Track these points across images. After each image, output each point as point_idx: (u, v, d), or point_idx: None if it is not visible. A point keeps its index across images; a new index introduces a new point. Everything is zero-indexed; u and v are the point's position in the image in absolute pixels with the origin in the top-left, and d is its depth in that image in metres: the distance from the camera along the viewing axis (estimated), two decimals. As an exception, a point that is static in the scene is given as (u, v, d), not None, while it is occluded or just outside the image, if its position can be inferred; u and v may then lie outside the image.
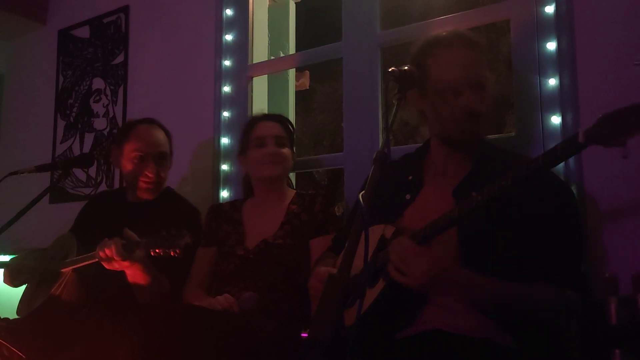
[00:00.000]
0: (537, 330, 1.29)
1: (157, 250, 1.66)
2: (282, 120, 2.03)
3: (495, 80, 1.62)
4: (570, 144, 1.03)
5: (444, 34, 1.49)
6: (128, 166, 2.09)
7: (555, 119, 1.74)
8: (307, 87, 4.61)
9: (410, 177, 1.54)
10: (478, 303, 1.28)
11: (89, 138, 2.97)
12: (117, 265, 1.72)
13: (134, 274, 1.78)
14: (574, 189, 1.64)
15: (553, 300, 1.27)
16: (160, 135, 2.13)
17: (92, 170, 2.89)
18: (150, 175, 2.06)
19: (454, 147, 1.48)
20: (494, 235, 1.30)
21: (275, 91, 2.80)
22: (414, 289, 1.24)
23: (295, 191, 2.03)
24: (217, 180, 2.45)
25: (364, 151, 2.08)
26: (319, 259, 1.69)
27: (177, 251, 1.63)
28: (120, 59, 2.90)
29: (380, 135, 2.09)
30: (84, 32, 3.09)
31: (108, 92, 2.92)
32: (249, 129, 2.02)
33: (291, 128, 2.06)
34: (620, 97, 1.62)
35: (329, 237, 1.81)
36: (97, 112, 2.96)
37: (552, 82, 1.76)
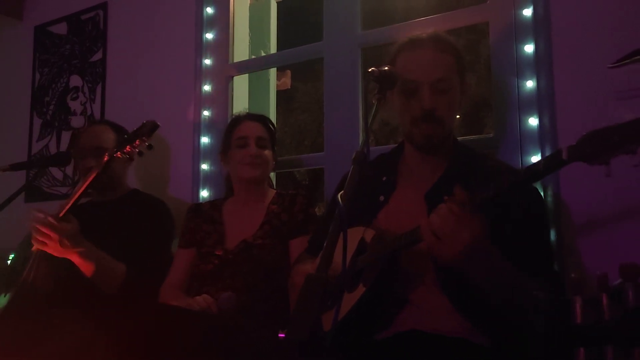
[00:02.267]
0: (511, 329, 1.30)
1: (126, 150, 1.75)
2: (264, 120, 2.03)
3: (475, 82, 1.63)
4: (553, 160, 1.02)
5: (417, 35, 1.50)
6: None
7: (533, 121, 1.77)
8: (289, 87, 4.61)
9: (384, 178, 1.54)
10: (489, 283, 1.23)
11: (66, 136, 2.92)
12: (57, 249, 1.72)
13: (81, 262, 1.78)
14: (550, 194, 1.67)
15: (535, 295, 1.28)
16: (101, 132, 2.16)
17: (69, 169, 2.85)
18: (88, 167, 2.06)
19: (420, 149, 1.49)
20: None
21: (256, 90, 2.79)
22: (445, 259, 1.15)
23: (275, 191, 2.02)
24: (197, 180, 2.44)
25: (345, 151, 2.09)
26: (298, 259, 1.69)
27: (145, 138, 1.74)
28: (98, 56, 2.86)
29: (361, 135, 2.10)
30: (61, 29, 3.04)
31: (86, 89, 2.88)
32: (231, 128, 2.02)
33: (272, 128, 2.06)
34: (595, 100, 1.64)
35: (308, 237, 1.81)
36: (74, 110, 2.92)
37: (530, 84, 1.78)
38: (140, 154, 1.82)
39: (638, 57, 0.84)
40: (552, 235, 1.63)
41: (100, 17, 2.87)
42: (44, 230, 1.70)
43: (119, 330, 1.43)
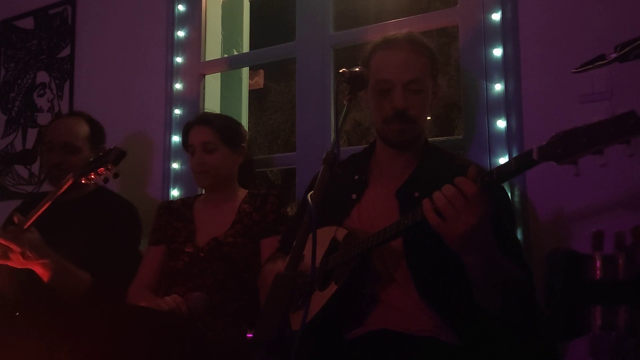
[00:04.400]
0: (483, 327, 1.33)
1: (90, 176, 1.69)
2: (213, 121, 1.94)
3: (446, 84, 1.66)
4: (524, 160, 1.04)
5: (392, 36, 1.51)
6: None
7: (501, 123, 1.80)
8: (262, 86, 4.59)
9: (356, 177, 1.55)
10: (485, 275, 1.20)
11: (32, 133, 2.86)
12: (19, 262, 1.68)
13: (44, 272, 1.73)
14: (517, 192, 1.71)
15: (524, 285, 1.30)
16: (73, 125, 2.09)
17: (35, 167, 2.79)
18: (52, 163, 2.02)
19: (393, 147, 1.51)
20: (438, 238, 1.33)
21: (229, 89, 2.77)
22: (449, 239, 1.12)
23: (247, 190, 2.02)
24: (167, 179, 2.41)
25: (317, 151, 2.09)
26: (269, 258, 1.69)
27: (110, 167, 1.67)
28: (66, 52, 2.80)
29: (333, 136, 2.11)
30: (27, 23, 2.97)
31: (53, 86, 2.82)
32: (184, 136, 2.00)
33: (227, 127, 1.96)
34: (561, 103, 1.69)
35: (279, 237, 1.81)
36: (41, 106, 2.85)
37: (498, 87, 1.82)
38: (105, 180, 1.76)
39: (600, 62, 0.86)
40: (519, 233, 1.67)
41: (69, 12, 2.82)
42: (5, 243, 1.65)
43: (86, 334, 1.41)
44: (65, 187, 1.74)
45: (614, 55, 0.81)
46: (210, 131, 1.92)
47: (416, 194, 1.40)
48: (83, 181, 1.72)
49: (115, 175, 1.72)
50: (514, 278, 1.25)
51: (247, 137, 2.08)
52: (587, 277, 0.56)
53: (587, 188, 1.58)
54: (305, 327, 0.83)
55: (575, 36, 1.68)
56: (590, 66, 0.89)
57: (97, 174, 1.72)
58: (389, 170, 1.53)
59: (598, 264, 0.56)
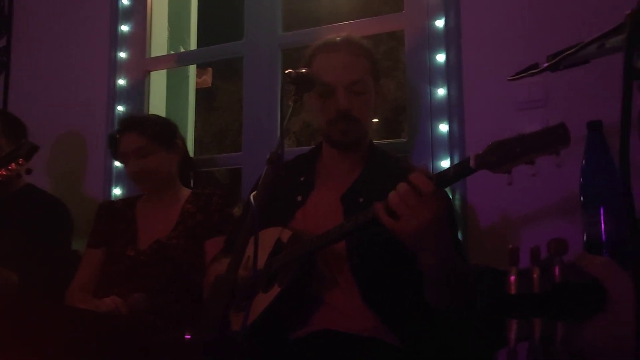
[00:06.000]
0: (423, 329, 1.36)
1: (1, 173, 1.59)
2: (140, 126, 1.89)
3: (395, 88, 1.68)
4: (462, 167, 1.08)
5: (331, 39, 1.53)
6: None
7: (443, 127, 1.85)
8: (210, 85, 4.54)
9: (302, 179, 1.56)
10: (440, 272, 1.20)
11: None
12: None
13: None
14: (457, 198, 1.76)
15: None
16: None
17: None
18: None
19: (338, 149, 1.52)
20: (382, 239, 1.34)
21: (175, 87, 2.72)
22: (404, 238, 1.13)
23: (191, 190, 1.98)
24: (109, 177, 2.35)
25: (263, 151, 2.05)
26: (214, 258, 1.67)
27: (20, 161, 1.58)
28: (2, 43, 2.67)
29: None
30: (-40, 12, 2.82)
31: (-14, 78, 2.69)
32: (113, 147, 1.96)
33: (156, 128, 1.91)
34: (500, 109, 1.75)
35: (224, 238, 1.79)
36: (-28, 100, 2.71)
37: (441, 91, 1.87)
38: (19, 176, 1.67)
39: (533, 71, 0.90)
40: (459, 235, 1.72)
41: (5, 2, 2.69)
42: None
43: (19, 336, 1.36)
44: None
45: (545, 65, 0.84)
46: (140, 136, 1.87)
47: (361, 200, 1.42)
48: None
49: (28, 171, 1.64)
50: (464, 276, 1.28)
51: (179, 132, 2.03)
52: (505, 292, 0.58)
53: (520, 198, 1.64)
54: (247, 329, 0.83)
55: (514, 45, 1.75)
56: (524, 74, 0.93)
57: (7, 170, 1.62)
58: (335, 172, 1.54)
59: (513, 278, 0.59)
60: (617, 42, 0.62)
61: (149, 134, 1.87)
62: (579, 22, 1.66)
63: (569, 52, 0.76)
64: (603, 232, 1.36)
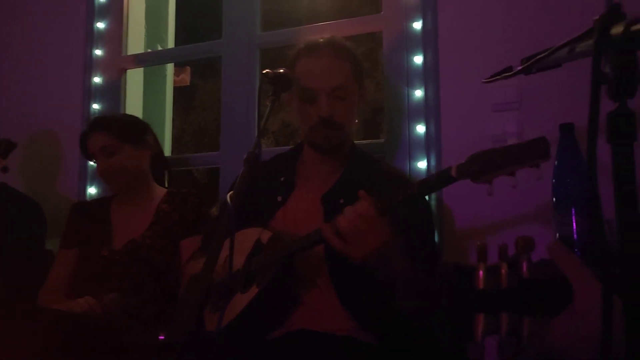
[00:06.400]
0: (399, 330, 1.37)
1: None
2: (105, 124, 1.87)
3: (374, 89, 1.69)
4: (444, 176, 1.10)
5: (314, 41, 1.52)
6: None
7: (420, 128, 1.87)
8: (188, 84, 4.50)
9: (282, 179, 1.56)
10: (394, 287, 1.26)
11: None
12: None
13: None
14: (434, 200, 1.78)
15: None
16: None
17: None
18: None
19: (320, 153, 1.52)
20: None
21: (152, 86, 2.69)
22: (353, 260, 1.18)
23: (166, 189, 1.97)
24: (84, 176, 2.31)
25: (241, 151, 2.04)
26: (190, 258, 1.66)
27: None
28: (-26, 39, 2.62)
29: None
30: None
31: (-43, 75, 2.63)
32: (83, 148, 1.93)
33: (122, 125, 1.88)
34: (476, 111, 1.77)
35: (200, 237, 1.78)
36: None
37: (419, 93, 1.88)
38: None
39: (506, 74, 0.92)
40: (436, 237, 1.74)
41: (-22, -3, 2.63)
42: None
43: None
44: None
45: (519, 68, 0.86)
46: (105, 135, 1.85)
47: (341, 201, 1.42)
48: None
49: (4, 169, 1.60)
50: (424, 292, 1.29)
51: (151, 129, 1.99)
52: (473, 287, 0.60)
53: (495, 200, 1.66)
54: (221, 329, 0.82)
55: (490, 47, 1.77)
56: (498, 77, 0.94)
57: None
58: (316, 173, 1.54)
59: (481, 274, 0.60)
60: (586, 46, 0.64)
61: (114, 132, 1.85)
62: (553, 26, 1.69)
63: (540, 55, 0.77)
64: (575, 232, 1.39)
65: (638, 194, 0.50)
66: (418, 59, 1.89)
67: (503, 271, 0.60)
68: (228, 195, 1.04)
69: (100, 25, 2.40)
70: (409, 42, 1.91)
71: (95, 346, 1.29)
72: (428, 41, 1.87)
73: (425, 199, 1.58)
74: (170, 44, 2.77)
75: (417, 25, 1.90)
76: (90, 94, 2.36)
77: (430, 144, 1.84)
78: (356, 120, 1.57)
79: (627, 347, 0.48)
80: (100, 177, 1.91)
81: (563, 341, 0.59)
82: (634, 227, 0.49)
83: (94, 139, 1.86)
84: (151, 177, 1.95)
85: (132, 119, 1.98)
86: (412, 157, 1.86)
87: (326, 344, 1.30)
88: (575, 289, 0.59)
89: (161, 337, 0.99)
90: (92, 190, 2.30)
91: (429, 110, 1.85)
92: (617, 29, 0.50)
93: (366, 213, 1.14)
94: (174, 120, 2.97)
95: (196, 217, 1.85)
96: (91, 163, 2.30)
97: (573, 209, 1.39)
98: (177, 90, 3.42)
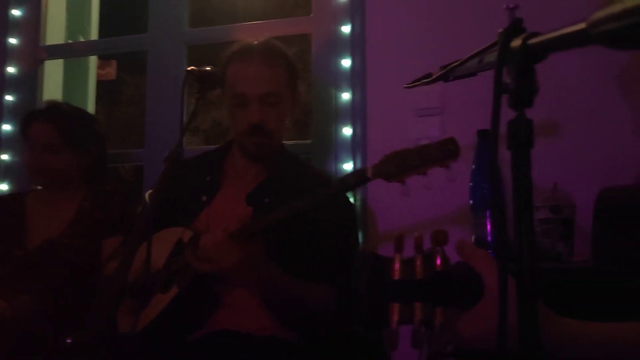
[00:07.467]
0: (317, 324, 1.38)
1: None
2: (60, 121, 1.77)
3: (305, 90, 1.70)
4: (360, 176, 1.15)
5: (248, 45, 1.49)
6: None
7: (347, 130, 1.90)
8: (114, 78, 4.33)
9: (208, 178, 1.53)
10: (273, 298, 1.33)
11: None
12: None
13: None
14: (359, 203, 1.81)
15: (331, 301, 1.37)
16: None
17: None
18: None
19: (248, 157, 1.51)
20: (287, 243, 1.36)
21: (73, 78, 2.57)
22: (220, 276, 1.27)
23: (89, 186, 1.88)
24: (-5, 172, 2.18)
25: (166, 149, 2.01)
26: (109, 258, 1.60)
27: None
28: None
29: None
30: None
31: None
32: (24, 127, 1.81)
33: (75, 129, 1.79)
34: (400, 115, 1.82)
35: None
36: None
37: (346, 96, 1.92)
38: None
39: (425, 80, 0.95)
40: (360, 237, 1.77)
41: None
42: None
43: None
44: None
45: (436, 75, 0.89)
46: (55, 132, 1.75)
47: (266, 200, 1.42)
48: None
49: None
50: (308, 299, 1.34)
51: (99, 125, 1.92)
52: (388, 277, 0.62)
53: (417, 202, 1.72)
54: (135, 330, 0.80)
55: (415, 53, 1.83)
56: (418, 83, 0.98)
57: None
58: (244, 173, 1.53)
59: (397, 265, 0.63)
60: (492, 57, 0.67)
61: (63, 132, 1.76)
62: (475, 35, 1.76)
63: (454, 64, 0.81)
64: (489, 234, 1.47)
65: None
66: (346, 62, 1.92)
67: (418, 263, 0.62)
68: (147, 194, 1.01)
69: (16, 12, 2.29)
70: (338, 46, 1.94)
71: (5, 351, 1.22)
72: (356, 45, 1.91)
73: (348, 199, 1.60)
74: (94, 35, 2.66)
75: (346, 29, 1.94)
76: (4, 84, 2.24)
77: (356, 146, 1.87)
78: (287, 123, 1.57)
79: (520, 332, 0.51)
80: (28, 168, 1.80)
81: (473, 332, 0.63)
82: (529, 224, 0.53)
83: (42, 129, 1.75)
84: (80, 177, 1.85)
85: (89, 123, 1.88)
86: (339, 159, 1.89)
87: (247, 344, 1.30)
88: (486, 283, 0.63)
89: (68, 340, 0.95)
90: (3, 187, 2.19)
91: (356, 113, 1.89)
92: (516, 42, 0.54)
93: (217, 238, 1.22)
94: (98, 114, 2.86)
95: (121, 215, 1.78)
96: (3, 157, 2.17)
97: (488, 212, 1.46)
98: (102, 84, 3.29)
